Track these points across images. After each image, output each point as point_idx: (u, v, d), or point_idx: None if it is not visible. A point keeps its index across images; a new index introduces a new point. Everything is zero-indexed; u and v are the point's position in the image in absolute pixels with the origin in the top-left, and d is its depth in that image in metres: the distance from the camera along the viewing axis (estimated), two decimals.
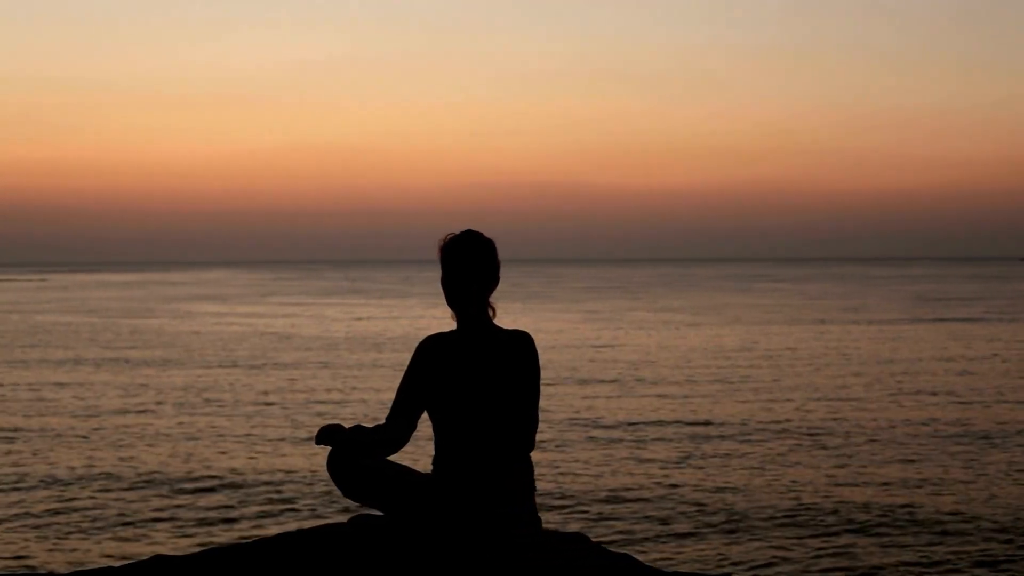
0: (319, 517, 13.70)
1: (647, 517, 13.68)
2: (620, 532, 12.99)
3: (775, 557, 12.00)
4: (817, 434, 19.71)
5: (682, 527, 13.22)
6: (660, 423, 21.03)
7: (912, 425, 20.66)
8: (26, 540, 12.91)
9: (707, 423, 20.99)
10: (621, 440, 19.19)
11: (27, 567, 11.81)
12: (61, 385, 28.57)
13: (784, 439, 19.19)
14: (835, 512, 13.83)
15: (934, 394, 25.23)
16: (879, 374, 29.44)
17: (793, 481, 15.71)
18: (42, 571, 11.55)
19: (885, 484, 15.53)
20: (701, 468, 16.70)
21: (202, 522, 13.68)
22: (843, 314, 59.11)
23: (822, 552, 12.17)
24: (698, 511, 13.95)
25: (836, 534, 12.87)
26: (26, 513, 14.17)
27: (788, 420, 21.33)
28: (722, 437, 19.40)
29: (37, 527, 13.49)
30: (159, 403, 24.76)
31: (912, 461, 17.21)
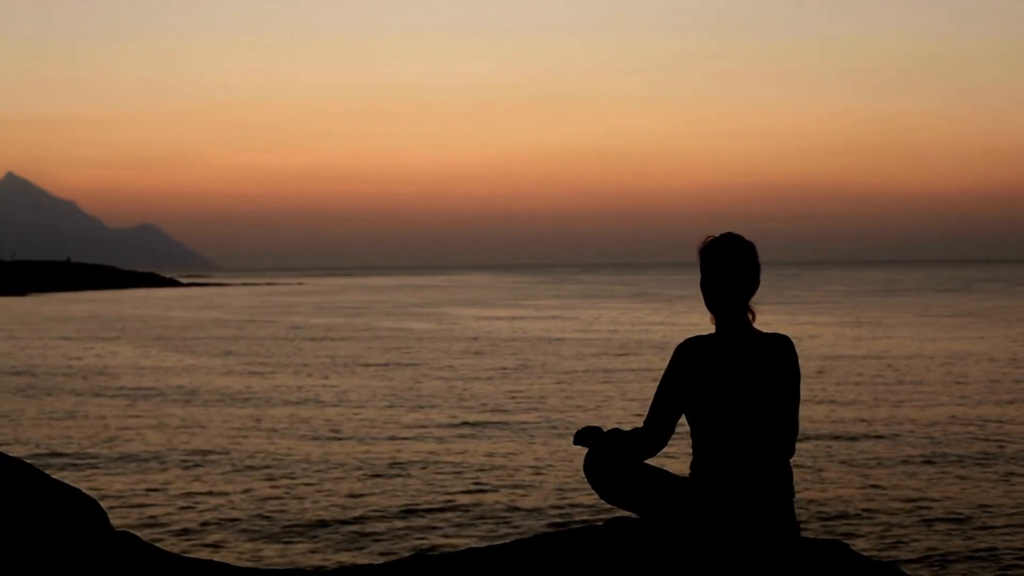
0: (576, 519, 13.74)
1: (911, 525, 13.32)
2: (883, 540, 12.68)
3: None
4: None
5: (949, 539, 12.83)
6: (926, 426, 20.48)
7: None
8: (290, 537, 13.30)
9: (993, 438, 20.35)
10: (888, 446, 18.75)
11: (263, 565, 12.14)
12: (328, 387, 29.40)
13: None
14: None
15: None
16: None
17: None
18: (307, 567, 11.87)
19: None
20: (975, 478, 16.19)
21: (455, 521, 13.88)
22: None
23: None
24: (962, 522, 13.52)
25: None
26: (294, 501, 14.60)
27: None
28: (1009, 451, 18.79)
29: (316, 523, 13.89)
30: (420, 404, 25.25)
31: None
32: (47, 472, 6.54)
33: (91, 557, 5.81)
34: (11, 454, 6.36)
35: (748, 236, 5.44)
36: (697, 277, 5.40)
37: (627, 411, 23.66)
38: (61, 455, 18.79)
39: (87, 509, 6.09)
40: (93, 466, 17.79)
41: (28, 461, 6.78)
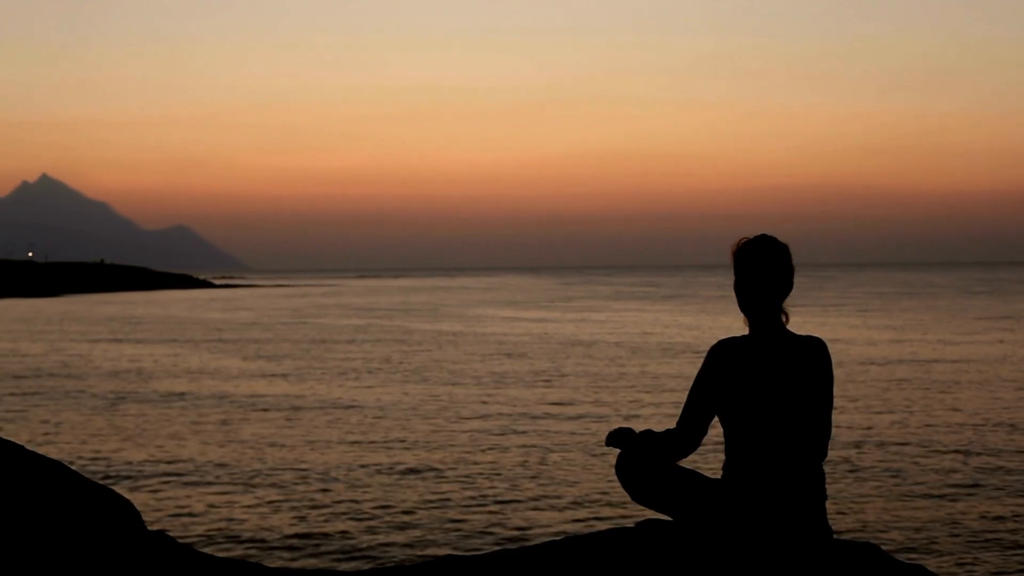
0: (607, 520, 13.73)
1: (945, 529, 13.26)
2: (916, 543, 12.62)
3: None
4: None
5: (983, 542, 12.77)
6: (961, 429, 20.38)
7: None
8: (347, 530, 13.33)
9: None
10: (921, 448, 18.67)
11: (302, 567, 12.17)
12: (361, 388, 29.46)
13: None
14: None
15: None
16: None
17: None
18: (340, 569, 11.90)
19: None
20: (1010, 481, 16.11)
21: (487, 522, 13.88)
22: None
23: None
24: (991, 525, 13.45)
25: None
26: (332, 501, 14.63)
27: None
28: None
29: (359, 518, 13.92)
30: (452, 405, 25.27)
31: None
32: (81, 473, 6.57)
33: (125, 557, 5.84)
34: (45, 455, 6.39)
35: (781, 238, 5.43)
36: (730, 279, 5.39)
37: (659, 413, 23.62)
38: (95, 456, 18.88)
39: (121, 509, 6.11)
40: (126, 467, 17.87)
41: (62, 462, 6.82)
